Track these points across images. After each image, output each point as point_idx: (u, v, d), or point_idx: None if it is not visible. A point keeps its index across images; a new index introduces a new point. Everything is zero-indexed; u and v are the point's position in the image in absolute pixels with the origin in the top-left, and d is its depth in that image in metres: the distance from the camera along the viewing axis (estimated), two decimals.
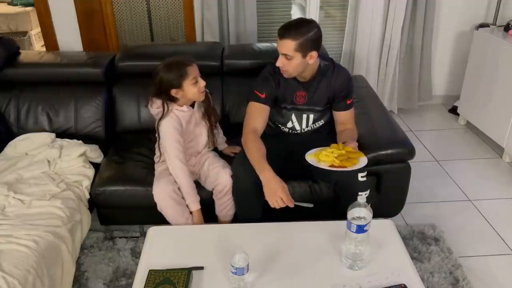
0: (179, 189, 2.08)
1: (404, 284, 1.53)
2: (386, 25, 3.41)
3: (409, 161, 2.26)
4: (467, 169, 3.02)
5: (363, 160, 1.91)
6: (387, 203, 2.34)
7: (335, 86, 2.14)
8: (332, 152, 1.91)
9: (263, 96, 2.10)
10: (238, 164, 2.08)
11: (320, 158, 1.92)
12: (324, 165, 1.88)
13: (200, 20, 3.31)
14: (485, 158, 3.16)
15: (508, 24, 3.16)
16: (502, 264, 2.25)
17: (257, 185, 1.91)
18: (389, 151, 2.21)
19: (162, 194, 2.06)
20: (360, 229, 1.56)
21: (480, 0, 3.54)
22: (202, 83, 2.09)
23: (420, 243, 2.33)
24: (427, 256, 2.24)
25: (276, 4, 3.52)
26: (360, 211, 1.57)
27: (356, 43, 3.49)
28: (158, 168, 2.21)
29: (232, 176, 2.10)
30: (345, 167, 1.87)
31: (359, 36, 3.45)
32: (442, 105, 3.92)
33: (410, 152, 2.23)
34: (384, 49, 3.50)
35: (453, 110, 3.75)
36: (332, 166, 1.88)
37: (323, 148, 1.96)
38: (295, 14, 3.60)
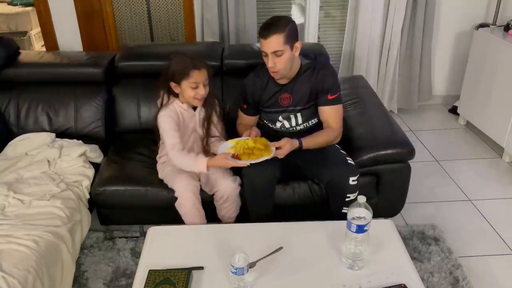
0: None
1: (404, 284, 1.54)
2: (386, 25, 3.41)
3: (409, 161, 2.26)
4: (467, 169, 3.02)
5: (261, 158, 1.93)
6: (387, 203, 2.34)
7: (316, 81, 2.13)
8: (247, 144, 1.96)
9: (245, 107, 2.25)
10: (249, 167, 2.03)
11: (236, 146, 1.99)
12: (227, 153, 1.96)
13: (200, 20, 3.31)
14: (485, 158, 3.16)
15: (508, 24, 3.15)
16: (502, 264, 2.25)
17: (271, 184, 2.06)
18: (389, 151, 2.21)
19: (186, 190, 2.06)
20: (360, 229, 1.56)
21: (480, 0, 3.54)
22: (201, 91, 2.07)
23: (420, 243, 2.33)
24: (427, 256, 2.24)
25: (276, 4, 3.52)
26: (360, 211, 1.57)
27: (356, 43, 3.49)
28: (167, 168, 2.19)
29: (245, 178, 2.09)
30: (240, 159, 1.94)
31: (359, 36, 3.45)
32: (442, 105, 3.92)
33: (410, 152, 2.23)
34: (384, 49, 3.49)
35: (453, 110, 3.75)
36: (233, 156, 1.95)
37: (248, 138, 2.02)
38: (295, 14, 3.60)
